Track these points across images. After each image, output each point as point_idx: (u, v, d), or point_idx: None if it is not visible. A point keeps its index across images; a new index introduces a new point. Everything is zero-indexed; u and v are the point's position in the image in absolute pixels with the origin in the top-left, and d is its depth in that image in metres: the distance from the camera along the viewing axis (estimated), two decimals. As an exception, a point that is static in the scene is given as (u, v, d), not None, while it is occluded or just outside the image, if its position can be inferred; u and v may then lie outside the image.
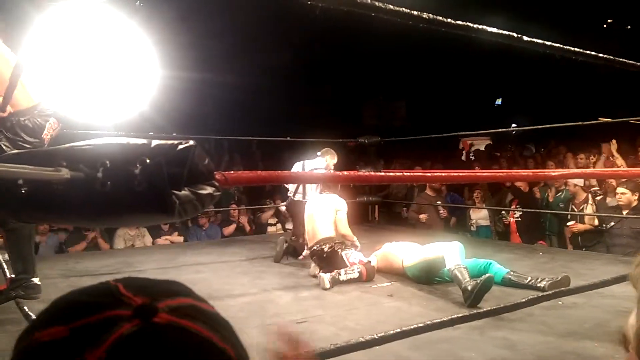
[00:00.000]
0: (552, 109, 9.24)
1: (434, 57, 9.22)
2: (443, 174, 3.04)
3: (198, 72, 8.25)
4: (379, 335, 2.43)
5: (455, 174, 2.71)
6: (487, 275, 3.15)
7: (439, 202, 6.32)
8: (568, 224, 5.41)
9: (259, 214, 6.94)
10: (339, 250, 4.01)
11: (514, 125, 8.87)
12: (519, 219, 5.95)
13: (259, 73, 9.94)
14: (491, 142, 9.43)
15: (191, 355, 0.39)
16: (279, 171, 2.01)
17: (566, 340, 2.56)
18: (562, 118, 5.53)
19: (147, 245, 5.87)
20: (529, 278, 3.49)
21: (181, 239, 6.17)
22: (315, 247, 4.06)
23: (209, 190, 1.04)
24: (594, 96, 8.74)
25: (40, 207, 0.89)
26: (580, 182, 5.45)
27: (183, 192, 0.94)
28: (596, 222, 5.13)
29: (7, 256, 2.66)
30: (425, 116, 11.00)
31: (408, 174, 2.78)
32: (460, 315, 2.78)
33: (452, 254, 3.45)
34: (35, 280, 2.62)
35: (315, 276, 3.86)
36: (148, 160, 0.89)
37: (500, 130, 7.60)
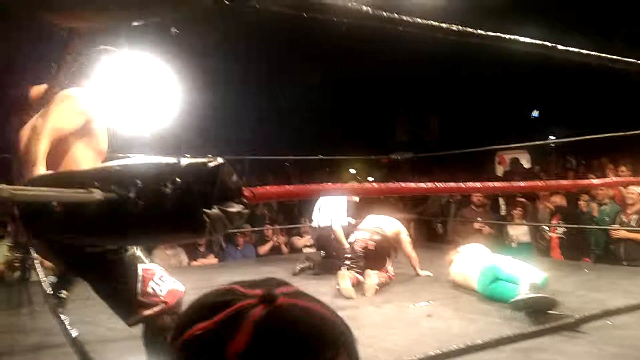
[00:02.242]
0: (593, 119, 8.94)
1: (466, 69, 9.12)
2: (479, 185, 2.97)
3: (232, 94, 8.43)
4: (418, 357, 2.36)
5: (493, 185, 2.63)
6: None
7: (479, 219, 6.22)
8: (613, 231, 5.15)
9: (293, 239, 6.96)
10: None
11: (552, 137, 8.62)
12: (563, 235, 5.70)
13: (290, 93, 10.07)
14: (528, 156, 9.18)
15: (315, 327, 0.47)
16: (307, 185, 1.99)
17: (617, 362, 2.42)
18: (604, 128, 5.32)
19: (182, 264, 5.94)
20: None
21: (216, 261, 6.22)
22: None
23: (237, 208, 1.04)
24: (638, 105, 8.42)
25: (73, 228, 0.90)
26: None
27: (213, 210, 0.93)
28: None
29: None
30: (460, 131, 10.83)
31: (444, 185, 2.71)
32: (503, 336, 2.68)
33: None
34: None
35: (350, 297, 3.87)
36: (179, 179, 0.89)
37: (538, 142, 7.40)
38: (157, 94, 2.21)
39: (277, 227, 6.96)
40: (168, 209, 0.85)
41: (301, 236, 6.90)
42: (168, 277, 1.73)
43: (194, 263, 6.03)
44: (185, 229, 0.90)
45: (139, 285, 1.58)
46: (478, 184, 2.85)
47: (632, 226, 5.01)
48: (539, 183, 3.99)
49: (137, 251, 1.67)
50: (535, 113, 11.13)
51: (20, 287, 3.98)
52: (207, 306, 0.49)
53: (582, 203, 5.89)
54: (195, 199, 0.87)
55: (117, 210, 0.86)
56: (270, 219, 7.23)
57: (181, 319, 0.50)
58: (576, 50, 1.84)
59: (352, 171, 10.92)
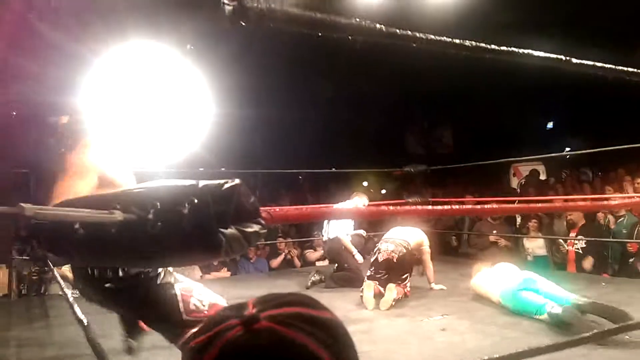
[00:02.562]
0: (609, 131, 8.84)
1: (481, 81, 9.09)
2: (494, 206, 2.96)
3: (244, 108, 8.50)
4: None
5: (507, 206, 2.62)
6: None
7: (494, 231, 6.20)
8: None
9: (306, 252, 6.97)
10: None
11: (567, 149, 8.53)
12: (579, 250, 5.62)
13: (302, 106, 10.13)
14: (543, 168, 9.10)
15: (281, 355, 0.47)
16: (324, 207, 2.01)
17: (637, 379, 2.38)
18: (620, 140, 5.27)
19: (195, 277, 5.98)
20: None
21: (229, 274, 6.25)
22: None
23: (255, 228, 1.06)
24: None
25: (94, 250, 0.93)
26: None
27: (230, 230, 0.96)
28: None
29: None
30: (474, 143, 10.78)
31: (458, 207, 2.69)
32: (519, 351, 2.65)
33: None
34: None
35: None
36: (196, 201, 0.92)
37: (553, 155, 7.33)
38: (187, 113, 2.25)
39: (290, 240, 6.99)
40: (185, 229, 0.88)
41: (314, 250, 6.91)
42: (206, 291, 1.77)
43: (207, 276, 6.06)
44: (202, 249, 0.93)
45: (181, 305, 1.63)
46: (494, 205, 2.83)
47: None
48: (555, 204, 3.97)
49: (172, 273, 1.71)
50: (550, 124, 11.05)
51: (35, 302, 4.04)
52: (211, 321, 0.52)
53: (599, 215, 5.82)
54: (211, 219, 0.89)
55: (137, 231, 0.88)
56: (283, 232, 7.25)
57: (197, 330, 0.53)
58: (591, 63, 1.84)
59: (365, 184, 10.93)
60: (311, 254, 6.92)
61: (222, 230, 0.91)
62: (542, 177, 8.97)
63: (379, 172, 8.18)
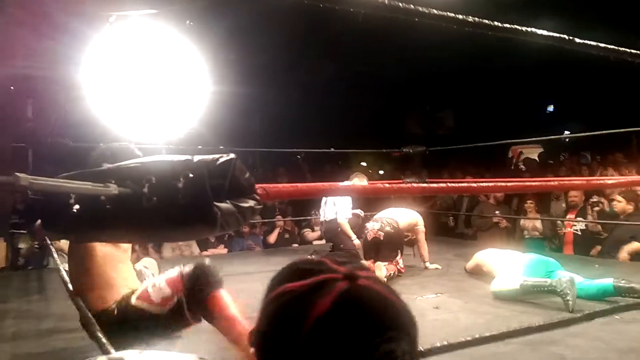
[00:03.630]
0: (609, 114, 8.81)
1: (481, 63, 9.01)
2: (490, 185, 2.96)
3: (243, 86, 8.43)
4: (424, 348, 2.38)
5: (503, 185, 2.63)
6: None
7: (497, 212, 6.27)
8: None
9: (304, 232, 7.02)
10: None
11: (566, 132, 8.52)
12: (577, 231, 5.67)
13: (302, 86, 10.05)
14: (543, 150, 9.10)
15: (383, 309, 0.56)
16: (318, 184, 2.02)
17: (626, 357, 2.42)
18: (620, 123, 5.26)
19: (193, 254, 6.03)
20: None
21: (225, 251, 6.31)
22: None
23: (250, 203, 1.07)
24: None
25: (90, 225, 0.94)
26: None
27: (225, 204, 0.96)
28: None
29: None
30: (473, 124, 10.74)
31: (453, 184, 2.70)
32: (511, 329, 2.70)
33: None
34: None
35: None
36: (191, 175, 0.92)
37: (552, 137, 7.31)
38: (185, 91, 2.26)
39: (288, 219, 7.03)
40: (180, 203, 0.88)
41: (312, 230, 6.95)
42: (159, 277, 2.07)
43: (205, 253, 6.11)
44: (198, 223, 0.93)
45: (147, 306, 1.95)
46: (488, 184, 2.83)
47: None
48: (551, 183, 3.97)
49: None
50: (550, 107, 11.00)
51: (34, 274, 4.08)
52: (299, 271, 0.60)
53: (595, 198, 5.86)
54: (206, 193, 0.90)
55: (132, 205, 0.89)
56: (280, 210, 7.29)
57: (275, 278, 0.62)
58: (594, 43, 1.83)
59: (364, 164, 10.92)
60: (309, 234, 6.97)
61: (217, 204, 0.92)
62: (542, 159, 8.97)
63: (378, 152, 8.17)
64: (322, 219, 5.28)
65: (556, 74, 9.19)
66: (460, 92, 10.63)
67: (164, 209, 0.89)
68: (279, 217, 6.96)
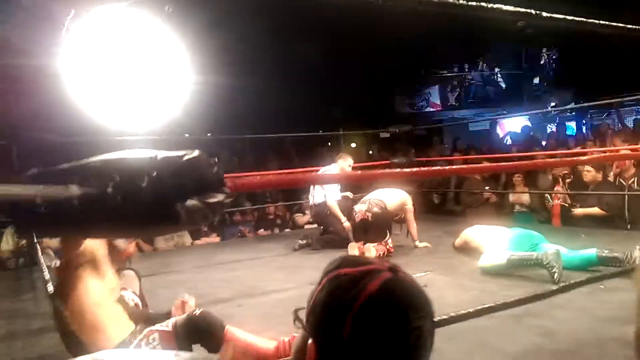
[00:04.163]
0: (595, 86, 8.85)
1: (465, 38, 8.99)
2: (479, 165, 2.98)
3: (228, 73, 8.36)
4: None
5: (486, 165, 2.65)
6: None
7: (487, 187, 6.34)
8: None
9: (295, 216, 7.04)
10: None
11: (552, 104, 8.55)
12: (565, 204, 5.74)
13: (288, 69, 9.98)
14: (530, 123, 9.15)
15: (416, 295, 0.73)
16: (290, 175, 2.02)
17: (608, 326, 2.48)
18: (605, 92, 5.29)
19: (186, 244, 6.05)
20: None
21: (218, 239, 6.33)
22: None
23: (219, 197, 1.07)
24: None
25: (58, 224, 0.94)
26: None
27: (191, 202, 0.97)
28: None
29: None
30: (460, 100, 10.75)
31: (435, 169, 2.72)
32: (494, 304, 2.74)
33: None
34: None
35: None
36: (155, 173, 0.93)
37: (539, 112, 7.35)
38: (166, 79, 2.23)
39: (278, 204, 7.05)
40: (144, 202, 0.89)
41: (303, 213, 6.98)
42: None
43: (197, 242, 6.13)
44: (161, 222, 0.94)
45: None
46: (473, 165, 2.84)
47: (634, 189, 5.04)
48: (538, 160, 4.01)
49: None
50: (536, 80, 11.02)
51: (25, 273, 4.07)
52: (352, 262, 0.76)
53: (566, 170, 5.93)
54: (169, 192, 0.90)
55: (96, 204, 0.89)
56: (271, 195, 7.30)
57: (331, 264, 0.77)
58: (561, 16, 1.83)
59: (353, 145, 10.92)
60: (300, 218, 6.99)
61: (181, 202, 0.93)
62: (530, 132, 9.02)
63: (366, 133, 8.18)
64: (311, 202, 5.31)
65: (541, 47, 9.19)
66: (445, 69, 10.61)
67: (128, 208, 0.90)
68: (269, 202, 6.98)
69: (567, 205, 5.50)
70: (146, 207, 0.89)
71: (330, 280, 0.74)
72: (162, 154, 0.98)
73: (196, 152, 0.99)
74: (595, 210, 5.16)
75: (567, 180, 5.58)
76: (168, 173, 0.92)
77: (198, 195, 1.01)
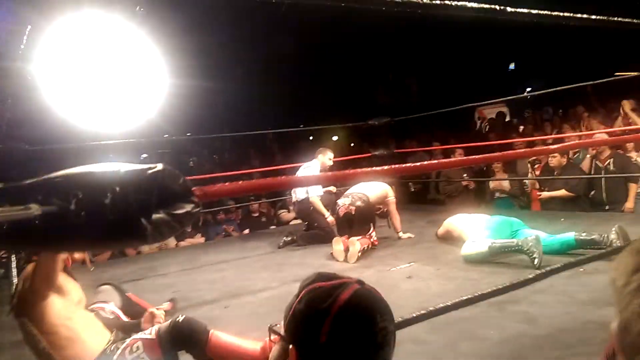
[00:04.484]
0: (569, 69, 8.96)
1: (440, 26, 9.01)
2: (457, 159, 2.99)
3: (207, 74, 8.29)
4: (397, 320, 2.45)
5: (465, 159, 2.67)
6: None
7: (465, 175, 6.41)
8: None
9: (279, 213, 7.03)
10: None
11: (528, 89, 8.63)
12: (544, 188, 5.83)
13: (266, 65, 9.92)
14: (507, 109, 9.25)
15: (380, 301, 0.86)
16: (262, 180, 2.01)
17: (588, 309, 2.52)
18: (579, 77, 5.35)
19: (170, 246, 6.00)
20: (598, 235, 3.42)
21: (203, 239, 6.29)
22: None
23: (187, 208, 1.06)
24: (611, 52, 8.43)
25: (21, 241, 0.92)
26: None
27: (157, 215, 0.96)
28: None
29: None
30: (439, 90, 10.82)
31: (415, 164, 2.73)
32: (478, 293, 2.77)
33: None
34: None
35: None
36: (118, 189, 0.91)
37: (515, 97, 7.42)
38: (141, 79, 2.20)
39: (262, 201, 7.03)
40: (108, 219, 0.87)
41: (288, 210, 6.97)
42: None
43: (182, 243, 6.09)
44: (126, 238, 0.93)
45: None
46: (452, 159, 2.84)
47: (610, 170, 5.13)
48: (518, 150, 4.05)
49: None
50: (512, 66, 11.13)
51: (5, 284, 4.00)
52: (324, 277, 0.88)
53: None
54: (133, 207, 0.89)
55: (59, 222, 0.88)
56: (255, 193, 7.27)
57: (307, 279, 0.89)
58: (526, 11, 1.85)
59: (335, 138, 10.93)
60: (285, 215, 6.99)
61: (146, 217, 0.91)
62: (507, 118, 9.12)
63: (345, 127, 8.19)
64: (294, 199, 5.30)
65: (516, 32, 9.26)
66: (422, 59, 10.65)
67: (92, 225, 0.88)
68: (253, 200, 6.95)
69: (536, 189, 5.62)
70: (110, 223, 0.87)
71: (308, 292, 0.86)
72: (125, 167, 0.97)
73: (159, 166, 0.98)
74: (562, 192, 5.29)
75: (536, 166, 5.68)
76: (132, 187, 0.90)
77: (164, 208, 1.00)
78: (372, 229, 4.45)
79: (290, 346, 0.83)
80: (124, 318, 2.49)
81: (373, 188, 4.58)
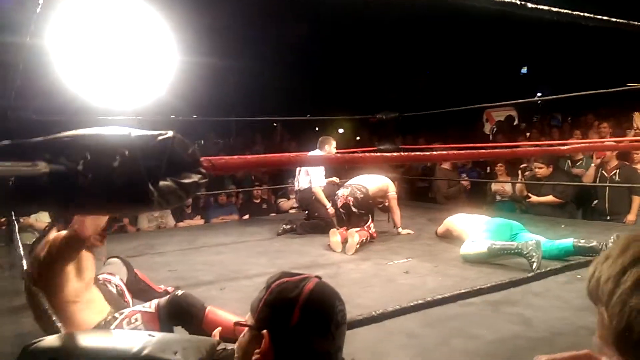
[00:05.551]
0: (580, 76, 8.90)
1: (455, 26, 8.95)
2: (455, 152, 2.99)
3: (218, 56, 8.25)
4: (389, 310, 2.45)
5: (464, 153, 2.66)
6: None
7: (463, 175, 6.39)
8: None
9: (279, 201, 7.03)
10: None
11: (539, 94, 8.58)
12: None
13: (279, 54, 9.88)
14: (516, 113, 9.20)
15: (335, 291, 1.04)
16: (271, 156, 2.01)
17: (582, 315, 2.52)
18: (590, 85, 5.31)
19: (169, 226, 6.01)
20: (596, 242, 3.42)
21: (202, 221, 6.29)
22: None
23: (194, 178, 1.06)
24: (625, 61, 8.37)
25: (26, 200, 0.92)
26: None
27: (164, 182, 0.95)
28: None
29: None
30: (448, 88, 10.77)
31: (414, 154, 2.73)
32: (472, 289, 2.79)
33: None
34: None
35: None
36: (127, 153, 0.91)
37: (524, 100, 7.36)
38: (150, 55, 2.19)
39: (263, 187, 7.03)
40: (115, 182, 0.87)
41: (288, 198, 6.98)
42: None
43: (180, 224, 6.10)
44: (132, 202, 0.93)
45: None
46: (451, 152, 2.84)
47: (615, 180, 5.10)
48: (519, 150, 4.04)
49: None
50: (524, 69, 11.05)
51: (3, 252, 4.02)
52: (288, 274, 1.04)
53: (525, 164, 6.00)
54: (141, 173, 0.89)
55: (65, 182, 0.87)
56: (257, 179, 7.29)
57: (274, 277, 1.04)
58: (546, 8, 1.83)
59: (341, 131, 10.90)
60: (284, 203, 6.99)
61: (154, 183, 0.91)
62: (515, 122, 9.07)
63: (353, 119, 8.16)
64: (296, 187, 5.30)
65: (530, 36, 9.20)
66: (434, 56, 10.59)
67: (98, 187, 0.88)
68: (256, 186, 6.96)
69: (526, 196, 5.59)
70: (117, 187, 0.87)
71: (277, 286, 1.01)
72: (135, 132, 0.96)
73: (170, 132, 0.98)
74: (550, 198, 5.29)
75: (526, 173, 5.68)
76: (141, 153, 0.90)
77: (172, 176, 0.99)
78: (370, 220, 4.45)
79: (264, 331, 0.96)
80: (127, 295, 2.50)
81: (373, 181, 4.57)
